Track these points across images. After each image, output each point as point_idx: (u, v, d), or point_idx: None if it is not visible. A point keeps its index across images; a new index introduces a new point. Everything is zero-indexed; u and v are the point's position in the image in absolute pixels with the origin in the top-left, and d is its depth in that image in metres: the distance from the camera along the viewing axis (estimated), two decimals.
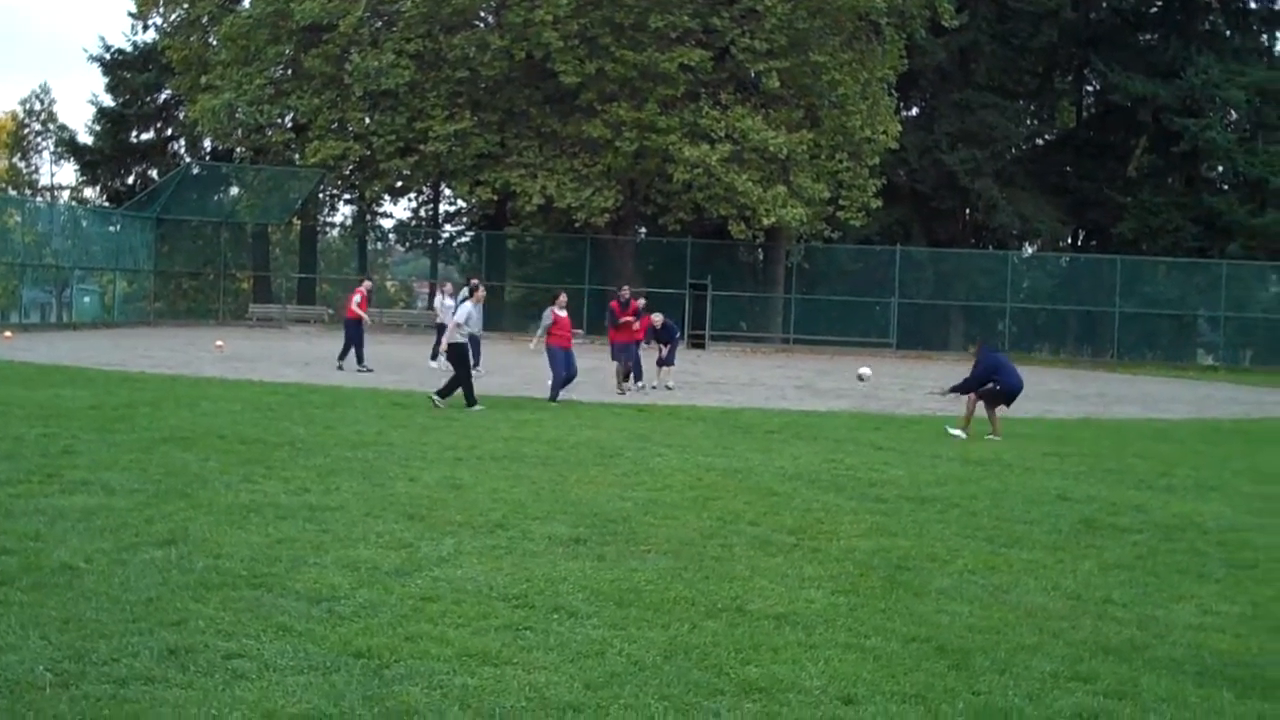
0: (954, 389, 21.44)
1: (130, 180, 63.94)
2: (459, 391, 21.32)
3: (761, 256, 59.66)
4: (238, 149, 58.04)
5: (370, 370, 28.82)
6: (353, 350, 29.75)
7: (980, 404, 20.89)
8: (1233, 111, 60.62)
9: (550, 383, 23.72)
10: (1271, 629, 8.69)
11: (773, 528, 11.42)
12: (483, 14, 53.04)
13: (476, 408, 20.80)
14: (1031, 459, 17.71)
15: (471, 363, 22.70)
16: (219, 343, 35.60)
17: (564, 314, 23.86)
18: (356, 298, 30.39)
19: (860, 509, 12.74)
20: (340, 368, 29.16)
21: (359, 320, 30.02)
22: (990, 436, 20.34)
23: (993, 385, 20.88)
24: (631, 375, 26.93)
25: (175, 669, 6.66)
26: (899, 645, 7.80)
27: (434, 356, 30.65)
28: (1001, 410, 21.15)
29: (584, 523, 11.15)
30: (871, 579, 9.58)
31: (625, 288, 27.71)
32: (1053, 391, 34.04)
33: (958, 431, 20.38)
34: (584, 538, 10.51)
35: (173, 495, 11.50)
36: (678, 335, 29.22)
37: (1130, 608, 9.12)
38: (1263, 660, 7.89)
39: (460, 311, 22.31)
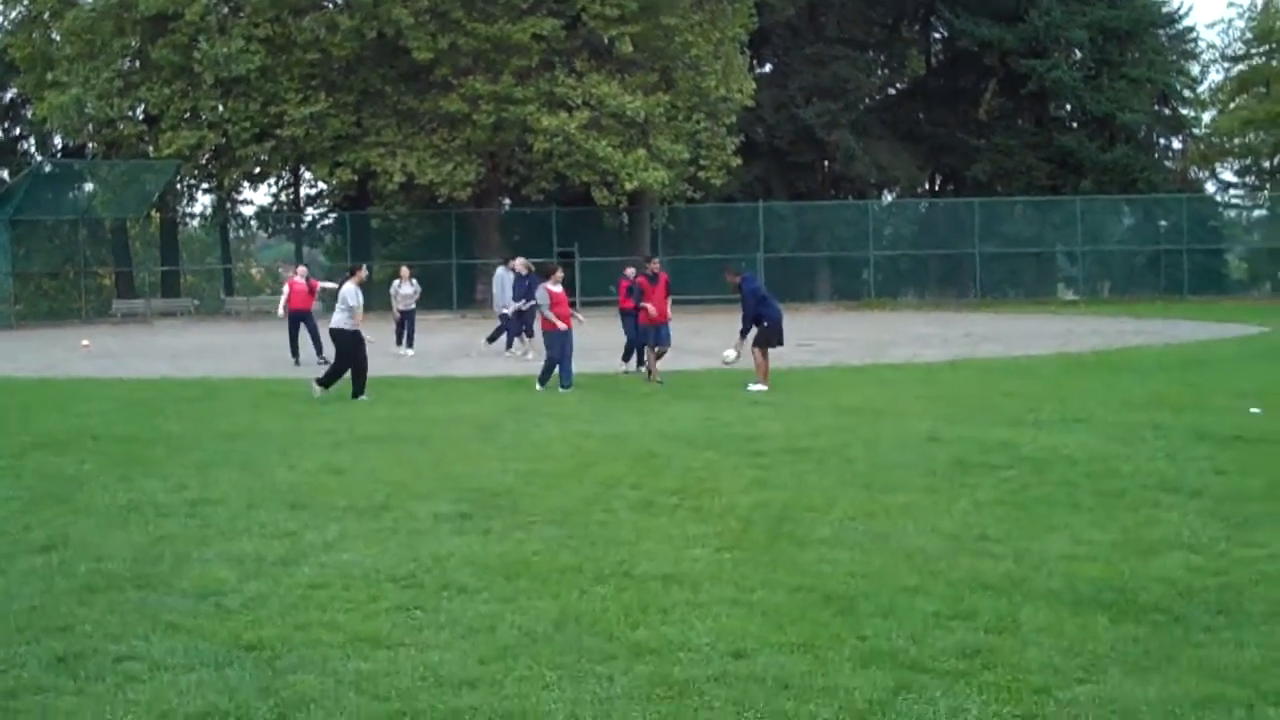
0: (742, 333, 21.24)
1: None
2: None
3: (626, 221, 59.76)
4: (90, 144, 56.99)
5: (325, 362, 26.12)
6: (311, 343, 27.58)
7: (757, 349, 20.98)
8: (1076, 51, 61.64)
9: (543, 365, 21.53)
10: (1141, 553, 8.96)
11: (655, 490, 11.55)
12: None
13: (363, 398, 19.73)
14: (903, 403, 18.03)
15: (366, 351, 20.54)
16: (85, 342, 35.02)
17: (559, 289, 21.76)
18: (286, 290, 28.49)
19: (740, 465, 12.91)
20: (318, 359, 26.76)
21: (299, 311, 27.89)
22: (757, 386, 20.43)
23: (764, 322, 21.02)
24: (635, 357, 24.24)
25: (65, 676, 6.63)
26: (784, 596, 7.96)
27: (400, 342, 30.05)
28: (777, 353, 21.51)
29: (467, 498, 11.20)
30: (754, 533, 9.75)
31: (655, 260, 24.62)
32: (920, 335, 34.59)
33: (759, 385, 20.47)
34: (468, 513, 10.56)
35: (50, 500, 11.38)
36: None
37: (1006, 543, 9.35)
38: (1134, 584, 8.15)
39: (349, 292, 20.48)
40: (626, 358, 24.42)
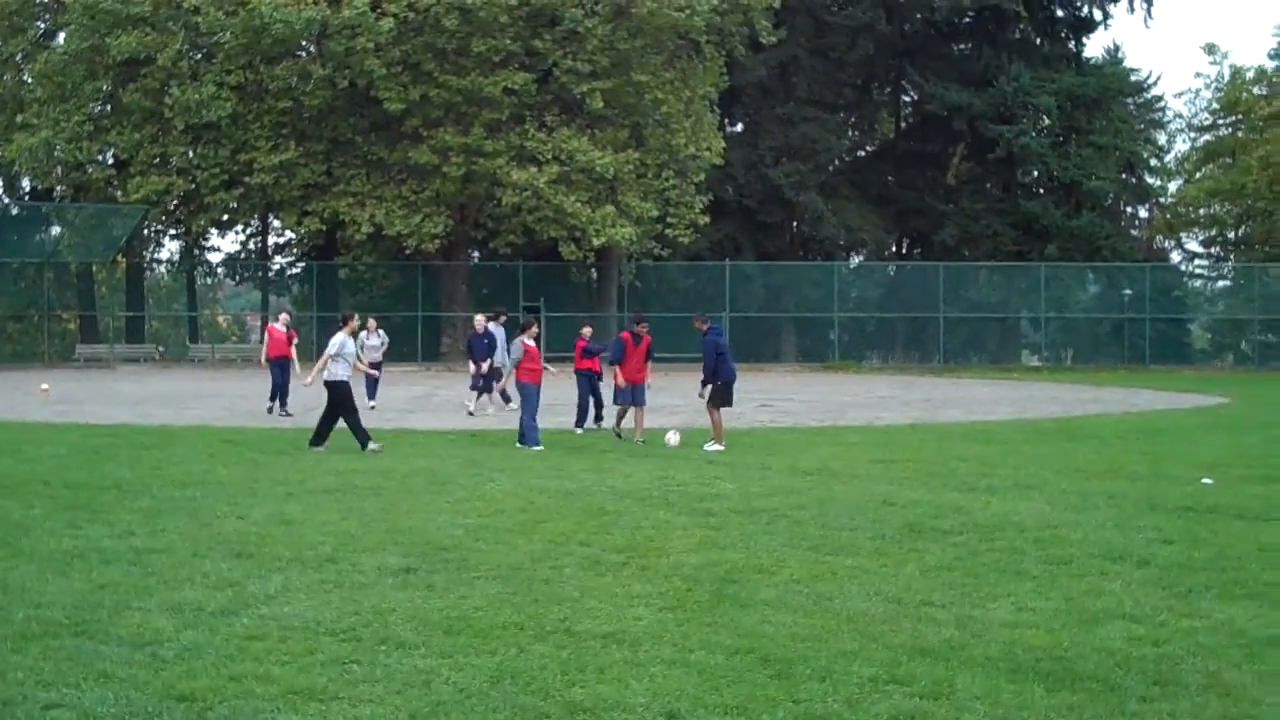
0: (704, 383, 21.37)
1: None
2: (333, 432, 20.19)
3: (594, 276, 59.89)
4: (58, 187, 56.92)
5: (288, 415, 26.57)
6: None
7: (713, 409, 21.05)
8: (1044, 117, 62.21)
9: (521, 422, 21.14)
10: (1083, 622, 8.98)
11: (603, 547, 11.53)
12: (304, 43, 52.54)
13: (372, 446, 19.56)
14: (858, 466, 18.06)
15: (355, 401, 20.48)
16: (44, 386, 34.81)
17: (533, 344, 21.73)
18: (267, 337, 28.34)
19: (690, 524, 12.90)
20: (280, 411, 26.88)
21: (281, 359, 27.35)
22: (713, 446, 20.44)
23: (718, 380, 21.09)
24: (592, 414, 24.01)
25: None
26: (723, 658, 7.94)
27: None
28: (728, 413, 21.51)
29: (414, 552, 11.16)
30: (699, 593, 9.73)
31: (644, 323, 23.40)
32: (881, 398, 34.68)
33: (715, 445, 20.47)
34: (414, 567, 10.53)
35: None
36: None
37: (949, 608, 9.36)
38: (1073, 654, 8.16)
39: (334, 342, 20.41)
40: (580, 421, 23.78)
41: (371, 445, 19.61)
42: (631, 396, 22.23)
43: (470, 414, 26.80)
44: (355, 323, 21.44)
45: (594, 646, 8.16)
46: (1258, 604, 9.56)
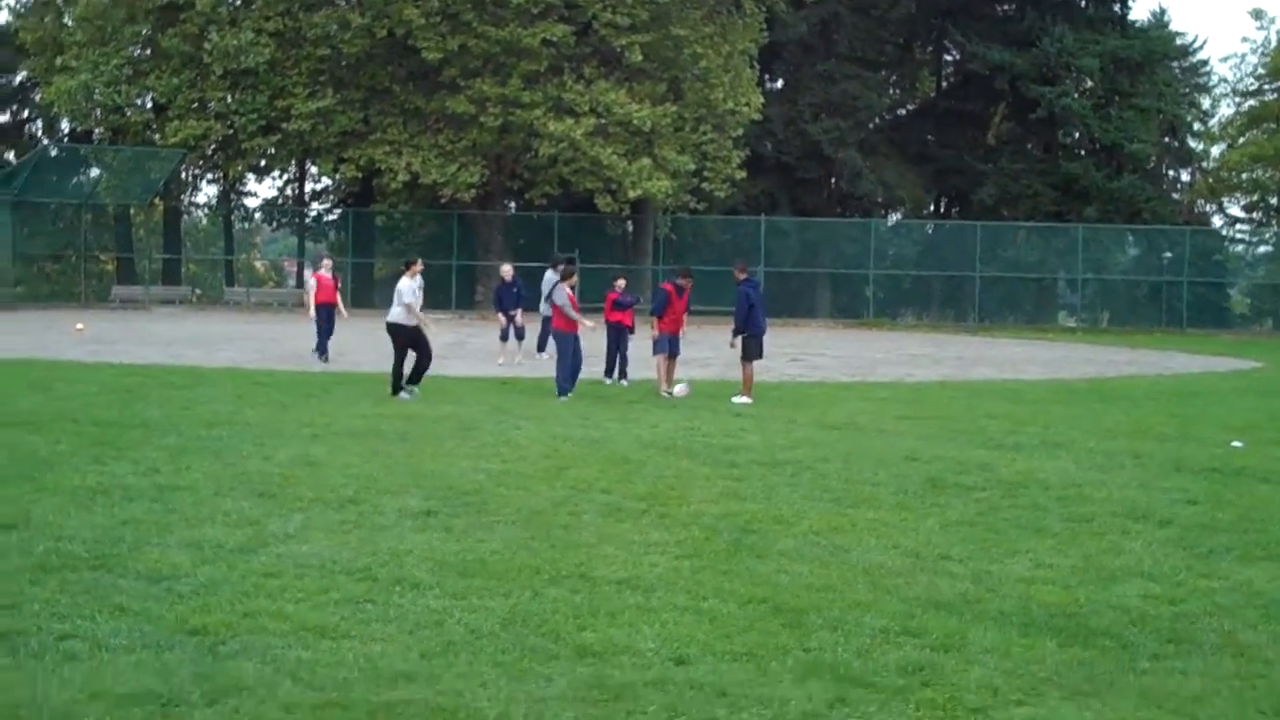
0: (735, 333, 21.24)
1: None
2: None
3: (630, 229, 59.77)
4: (96, 130, 56.95)
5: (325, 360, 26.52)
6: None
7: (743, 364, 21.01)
8: (1087, 79, 61.67)
9: (557, 375, 21.06)
10: (1099, 580, 8.95)
11: (624, 495, 11.55)
12: None
13: (403, 395, 19.63)
14: (885, 421, 18.03)
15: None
16: (79, 325, 35.01)
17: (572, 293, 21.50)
18: (312, 282, 27.89)
19: (713, 474, 12.91)
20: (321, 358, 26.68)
21: (326, 304, 27.14)
22: (741, 399, 20.40)
23: (747, 333, 20.99)
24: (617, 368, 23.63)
25: (4, 652, 6.64)
26: (736, 606, 7.95)
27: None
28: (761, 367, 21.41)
29: (436, 495, 11.20)
30: (716, 542, 9.74)
31: (689, 276, 23.16)
32: (913, 356, 34.57)
33: (743, 399, 20.43)
34: (434, 510, 10.57)
35: (18, 479, 11.37)
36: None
37: (966, 563, 9.35)
38: (1087, 610, 8.15)
39: (405, 288, 20.29)
40: (610, 372, 23.53)
41: (404, 394, 19.63)
42: (670, 347, 22.03)
43: (500, 364, 26.71)
44: (419, 266, 21.21)
45: (608, 592, 8.19)
46: (1277, 566, 9.52)
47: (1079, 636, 7.58)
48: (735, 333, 21.20)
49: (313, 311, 27.30)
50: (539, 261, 47.05)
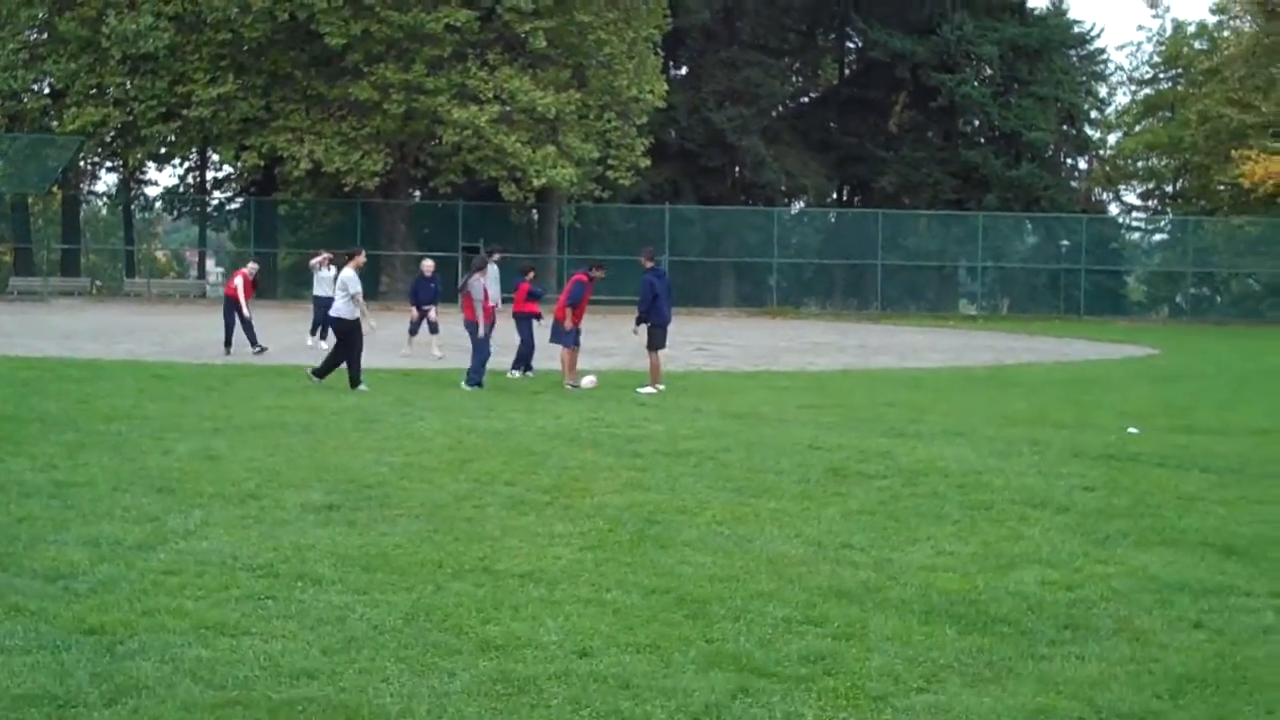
0: (638, 321, 21.34)
1: None
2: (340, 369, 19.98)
3: (535, 217, 59.69)
4: None
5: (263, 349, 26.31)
6: (242, 332, 26.68)
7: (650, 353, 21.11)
8: (986, 67, 62.43)
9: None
10: (998, 567, 9.06)
11: (528, 487, 11.53)
12: None
13: (361, 387, 19.37)
14: (788, 411, 18.14)
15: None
16: None
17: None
18: (238, 280, 27.25)
19: (616, 465, 12.92)
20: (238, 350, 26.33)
21: (236, 300, 26.83)
22: (647, 389, 20.46)
23: (651, 323, 21.02)
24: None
25: None
26: (639, 598, 7.97)
27: (314, 332, 28.33)
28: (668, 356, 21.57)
29: (338, 489, 11.13)
30: (619, 533, 9.75)
31: (602, 268, 22.73)
32: (816, 344, 34.83)
33: (649, 389, 20.50)
34: (337, 504, 10.50)
35: None
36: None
37: (868, 551, 9.43)
38: (986, 597, 8.24)
39: (347, 278, 20.04)
40: (518, 365, 23.07)
41: (362, 386, 19.44)
42: (575, 339, 21.88)
43: (404, 354, 26.39)
44: (361, 258, 20.78)
45: (511, 585, 8.17)
46: (1172, 550, 9.67)
47: (978, 623, 7.67)
48: (638, 321, 21.22)
49: (247, 311, 26.76)
50: (445, 251, 46.95)
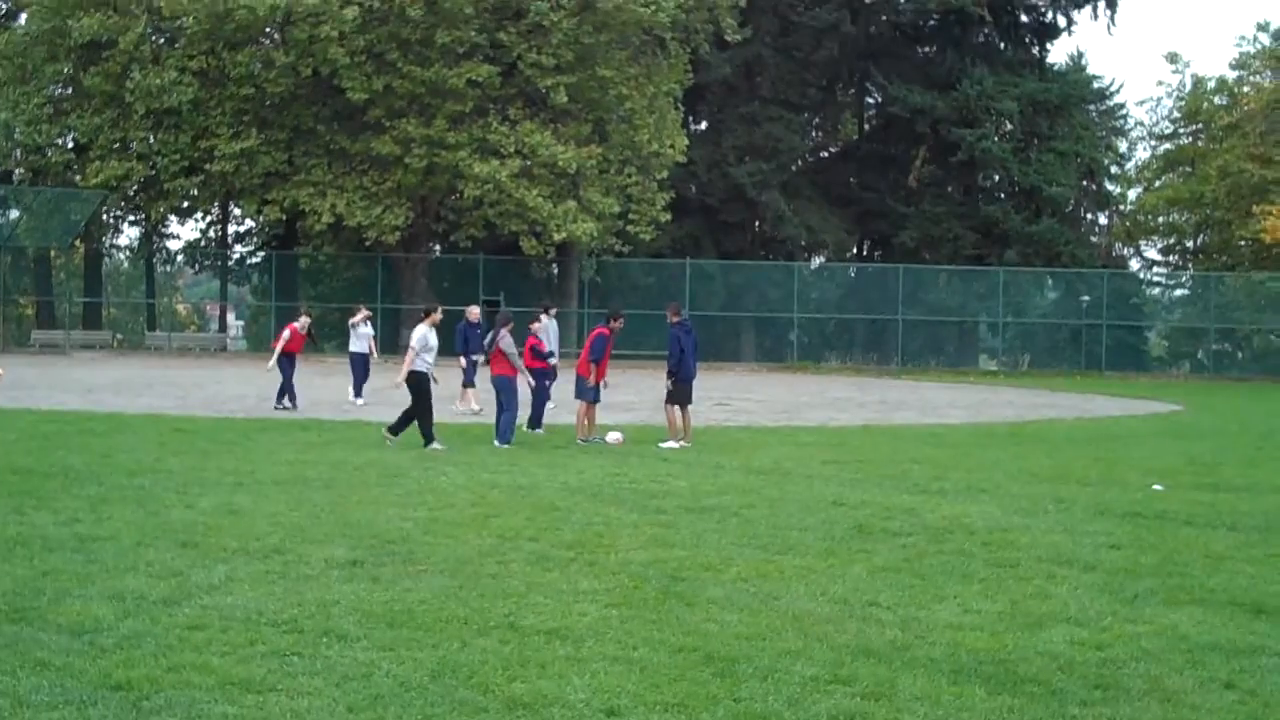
0: (669, 374, 21.30)
1: None
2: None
3: (555, 271, 59.79)
4: (16, 170, 56.44)
5: (287, 408, 25.82)
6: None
7: (671, 406, 21.10)
8: (1007, 122, 62.50)
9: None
10: (1027, 625, 8.99)
11: (552, 543, 11.50)
12: (267, 30, 52.32)
13: (434, 446, 19.19)
14: (811, 467, 18.08)
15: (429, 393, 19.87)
16: None
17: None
18: (285, 332, 26.85)
19: (640, 521, 12.88)
20: (283, 407, 25.86)
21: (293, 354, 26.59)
22: (672, 444, 20.42)
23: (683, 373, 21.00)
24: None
25: None
26: (666, 655, 7.92)
27: (358, 392, 27.95)
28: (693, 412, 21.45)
29: (362, 545, 11.11)
30: (645, 590, 9.71)
31: (621, 318, 22.94)
32: (837, 400, 34.74)
33: (670, 444, 20.46)
34: (361, 560, 10.47)
35: None
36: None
37: (894, 609, 9.37)
38: (1015, 656, 8.17)
39: (416, 336, 20.03)
40: (535, 424, 22.48)
41: (435, 445, 19.25)
42: (596, 394, 21.68)
43: (456, 409, 25.79)
44: (438, 316, 20.62)
45: (537, 642, 8.13)
46: (1202, 610, 9.60)
47: (1007, 683, 7.60)
48: (669, 375, 21.16)
49: (274, 361, 26.53)
50: (465, 305, 46.85)
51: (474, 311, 26.82)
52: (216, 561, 10.25)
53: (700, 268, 57.96)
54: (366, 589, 9.45)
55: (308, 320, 27.90)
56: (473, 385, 26.42)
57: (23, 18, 53.54)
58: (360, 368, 27.80)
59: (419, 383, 19.71)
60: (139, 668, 7.28)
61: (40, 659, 7.40)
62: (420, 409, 19.66)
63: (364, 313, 28.90)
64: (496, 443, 20.07)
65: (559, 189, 49.66)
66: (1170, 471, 18.56)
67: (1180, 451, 22.14)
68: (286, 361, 26.37)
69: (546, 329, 24.61)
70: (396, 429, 19.71)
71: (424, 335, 19.96)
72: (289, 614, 8.60)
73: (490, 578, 10.00)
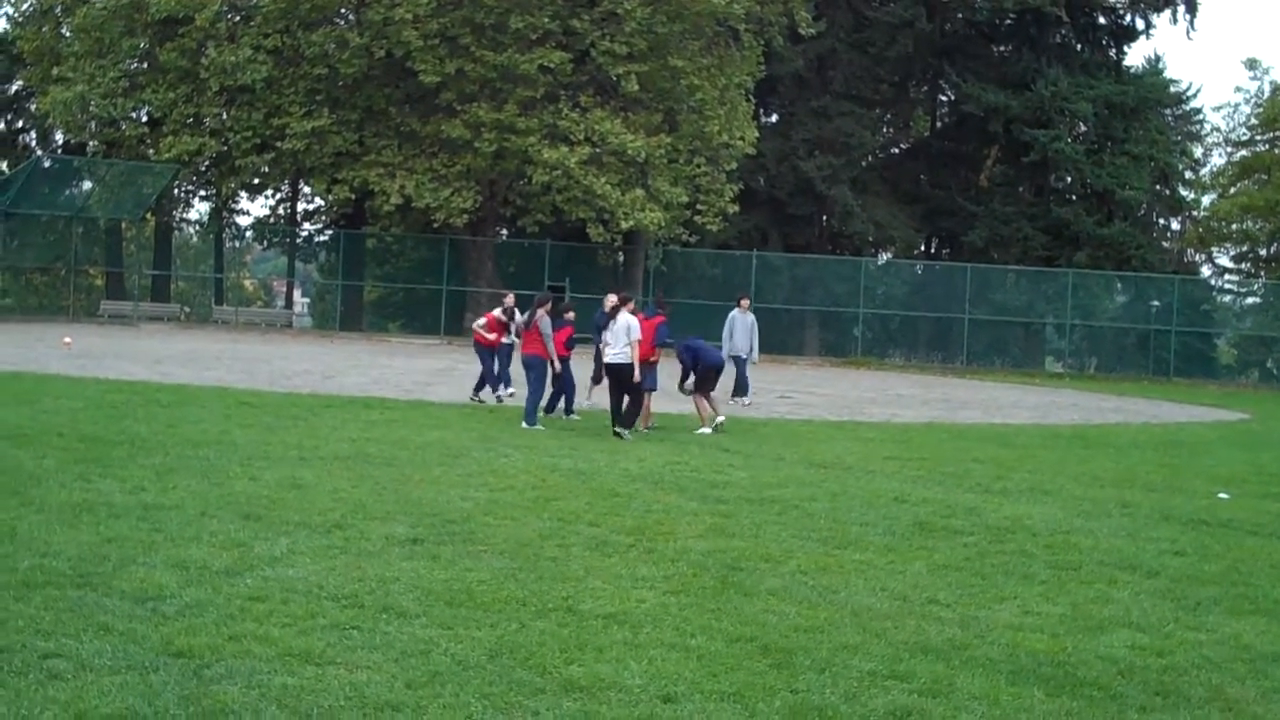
0: (681, 383, 21.80)
1: None
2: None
3: (621, 259, 59.79)
4: (90, 142, 56.86)
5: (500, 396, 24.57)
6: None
7: (698, 396, 21.41)
8: (1081, 124, 61.94)
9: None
10: (1087, 629, 8.93)
11: (611, 528, 11.51)
12: (342, 11, 52.53)
13: (626, 435, 19.55)
14: (873, 462, 18.01)
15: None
16: (67, 339, 34.90)
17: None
18: (481, 321, 25.31)
19: (700, 510, 12.88)
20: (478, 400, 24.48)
21: (490, 345, 24.63)
22: (706, 430, 20.73)
23: (701, 367, 21.35)
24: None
25: None
26: (723, 644, 7.92)
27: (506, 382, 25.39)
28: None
29: (423, 523, 11.17)
30: (704, 579, 9.71)
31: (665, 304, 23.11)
32: (900, 396, 34.58)
33: (705, 429, 20.76)
34: (421, 538, 10.53)
35: (3, 494, 11.32)
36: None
37: (954, 608, 9.33)
38: (1075, 659, 8.12)
39: (630, 325, 20.04)
40: (570, 409, 22.55)
41: (626, 435, 19.58)
42: (654, 382, 21.47)
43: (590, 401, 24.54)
44: (633, 304, 20.86)
45: (595, 626, 8.15)
46: (1266, 620, 9.50)
47: (1066, 686, 7.56)
48: (681, 384, 22.00)
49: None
50: (530, 290, 47.10)
51: (611, 300, 25.10)
52: (279, 534, 10.33)
53: (766, 260, 57.80)
54: (426, 567, 9.50)
55: (508, 303, 25.32)
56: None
57: None
58: (505, 356, 25.31)
59: (628, 372, 19.89)
60: (200, 635, 7.35)
61: (104, 624, 7.49)
62: (635, 394, 19.97)
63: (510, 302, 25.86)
64: (524, 424, 20.23)
65: (627, 177, 49.60)
66: (1236, 480, 18.36)
67: (1247, 460, 21.89)
68: (486, 353, 24.66)
69: (732, 321, 26.95)
70: (628, 422, 19.88)
71: (636, 324, 20.12)
72: (349, 589, 8.66)
73: (550, 560, 10.02)
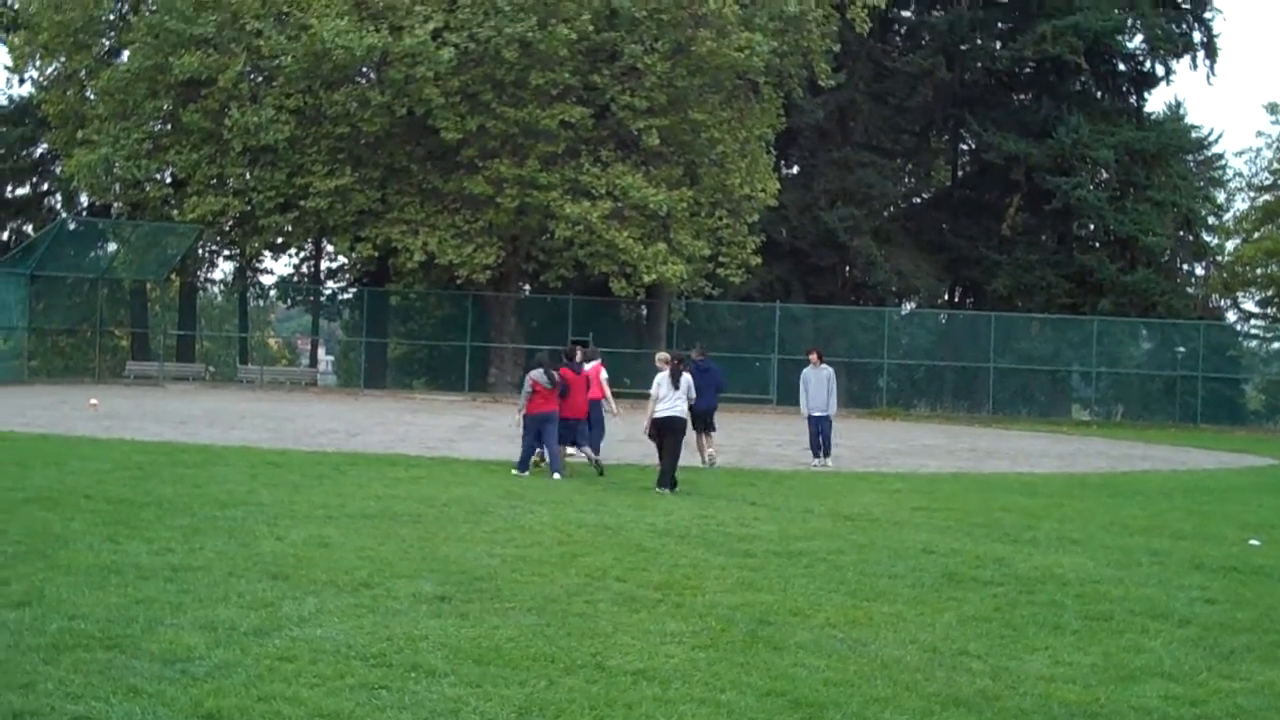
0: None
1: (4, 235, 63.02)
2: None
3: (644, 313, 59.89)
4: (115, 204, 57.34)
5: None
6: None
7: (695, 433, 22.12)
8: (1102, 171, 61.92)
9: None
10: (1120, 679, 8.86)
11: (639, 584, 11.48)
12: (364, 70, 52.89)
13: (666, 490, 19.67)
14: (900, 513, 17.94)
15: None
16: (93, 401, 35.04)
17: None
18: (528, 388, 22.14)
19: (728, 564, 12.84)
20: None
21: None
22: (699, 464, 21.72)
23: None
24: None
25: None
26: (754, 699, 7.88)
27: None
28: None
29: (450, 580, 11.14)
30: (733, 634, 9.66)
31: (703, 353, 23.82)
32: (926, 447, 34.48)
33: (697, 464, 21.78)
34: (449, 595, 10.50)
35: (32, 556, 11.33)
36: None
37: (985, 659, 9.26)
38: (1108, 710, 8.06)
39: (689, 384, 20.77)
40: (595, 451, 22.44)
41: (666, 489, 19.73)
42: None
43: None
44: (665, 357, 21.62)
45: (624, 682, 8.11)
46: None
47: None
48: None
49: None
50: (554, 345, 47.14)
51: (664, 357, 22.66)
52: (306, 594, 10.32)
53: (789, 311, 57.78)
54: (454, 625, 9.47)
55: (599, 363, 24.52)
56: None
57: (125, 55, 54.39)
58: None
59: (683, 427, 20.57)
60: (230, 697, 7.34)
61: (133, 686, 7.48)
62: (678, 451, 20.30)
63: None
64: (556, 476, 20.73)
65: (649, 230, 49.72)
66: (1267, 526, 18.24)
67: (1277, 506, 21.76)
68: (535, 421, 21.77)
69: (806, 379, 27.23)
70: (670, 483, 19.94)
71: (690, 383, 20.82)
72: (377, 648, 8.64)
73: (577, 617, 9.99)
